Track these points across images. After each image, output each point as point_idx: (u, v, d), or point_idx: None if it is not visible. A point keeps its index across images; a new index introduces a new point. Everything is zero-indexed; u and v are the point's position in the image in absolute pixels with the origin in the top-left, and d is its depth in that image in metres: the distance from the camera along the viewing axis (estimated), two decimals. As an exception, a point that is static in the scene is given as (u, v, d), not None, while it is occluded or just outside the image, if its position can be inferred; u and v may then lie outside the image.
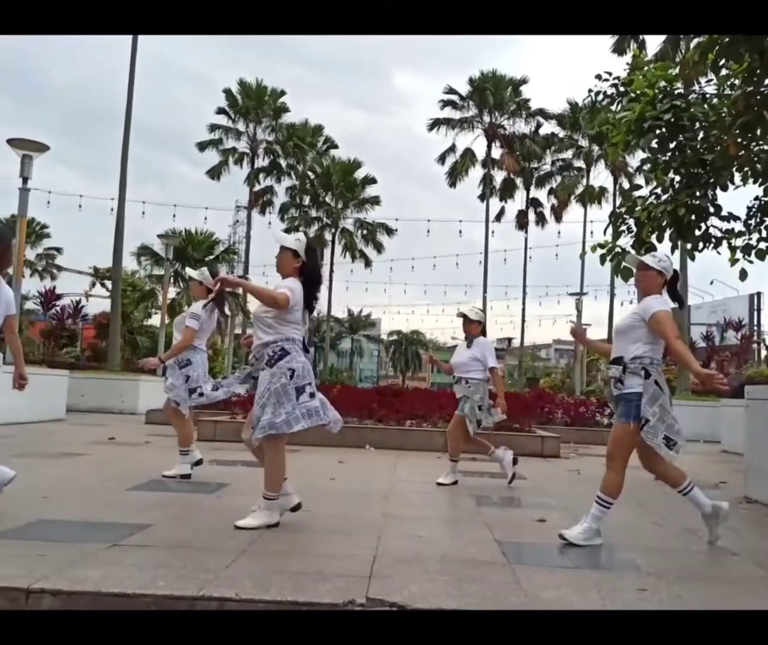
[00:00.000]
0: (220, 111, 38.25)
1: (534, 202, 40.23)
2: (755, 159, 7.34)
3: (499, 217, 40.09)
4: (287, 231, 39.53)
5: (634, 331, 4.26)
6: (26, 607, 2.81)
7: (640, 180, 15.09)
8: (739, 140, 7.03)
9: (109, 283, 27.47)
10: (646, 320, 4.19)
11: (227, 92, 38.04)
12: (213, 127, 38.13)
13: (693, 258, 8.07)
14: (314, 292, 4.47)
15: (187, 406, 6.23)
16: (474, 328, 6.84)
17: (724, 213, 7.61)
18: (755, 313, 33.31)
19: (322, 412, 4.34)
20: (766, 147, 7.31)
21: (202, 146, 38.04)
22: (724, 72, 7.23)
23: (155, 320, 29.17)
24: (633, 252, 7.87)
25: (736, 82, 7.14)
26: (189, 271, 6.85)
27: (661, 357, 4.29)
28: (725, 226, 7.69)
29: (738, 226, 7.69)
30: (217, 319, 6.39)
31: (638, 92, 7.44)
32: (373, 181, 40.59)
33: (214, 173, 38.24)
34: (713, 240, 7.72)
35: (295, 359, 4.27)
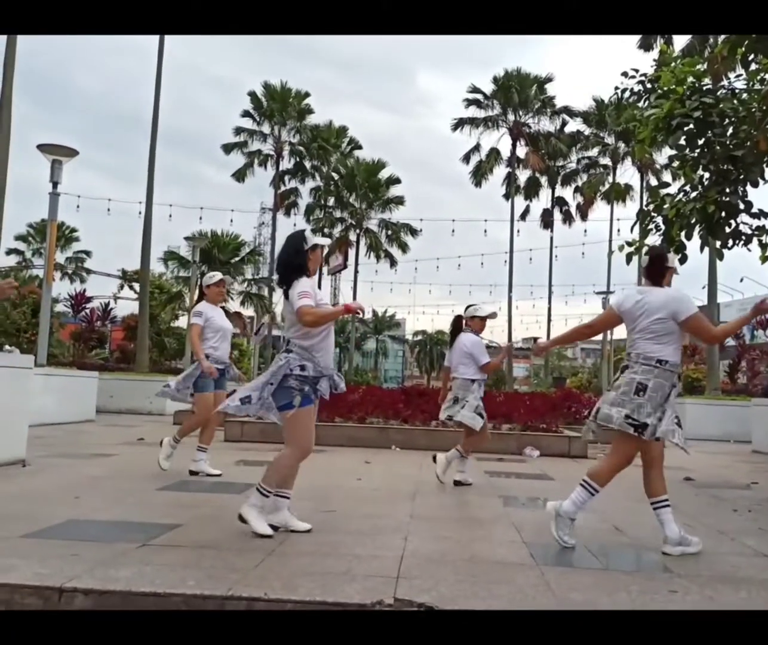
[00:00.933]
0: (245, 114, 38.49)
1: (559, 201, 39.95)
2: (786, 154, 7.21)
3: (524, 216, 39.86)
4: (312, 232, 39.82)
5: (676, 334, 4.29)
6: (59, 607, 2.86)
7: (667, 177, 14.91)
8: (769, 135, 6.92)
9: (137, 286, 27.78)
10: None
11: (252, 95, 38.27)
12: (238, 130, 38.38)
13: (721, 257, 7.96)
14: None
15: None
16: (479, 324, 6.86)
17: (754, 210, 7.49)
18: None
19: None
20: (797, 142, 7.18)
21: (227, 149, 38.31)
22: (753, 66, 7.13)
23: (182, 322, 29.45)
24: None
25: (766, 76, 7.03)
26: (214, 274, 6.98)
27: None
28: (756, 223, 7.57)
29: (768, 223, 7.56)
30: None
31: (666, 89, 7.35)
32: (397, 181, 40.58)
33: (240, 175, 38.49)
34: (743, 237, 7.60)
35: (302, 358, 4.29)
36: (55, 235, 14.07)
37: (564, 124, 38.94)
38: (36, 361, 10.39)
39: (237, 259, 32.91)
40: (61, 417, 12.23)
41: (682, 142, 7.36)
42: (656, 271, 4.32)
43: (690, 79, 7.28)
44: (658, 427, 4.03)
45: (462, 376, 6.60)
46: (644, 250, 7.63)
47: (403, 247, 40.28)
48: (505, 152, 39.27)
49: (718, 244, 7.83)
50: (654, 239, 7.76)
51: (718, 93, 7.45)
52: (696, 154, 7.48)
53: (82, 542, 3.72)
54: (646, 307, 4.16)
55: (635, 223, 8.09)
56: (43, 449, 8.08)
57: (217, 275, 6.91)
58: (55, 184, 12.92)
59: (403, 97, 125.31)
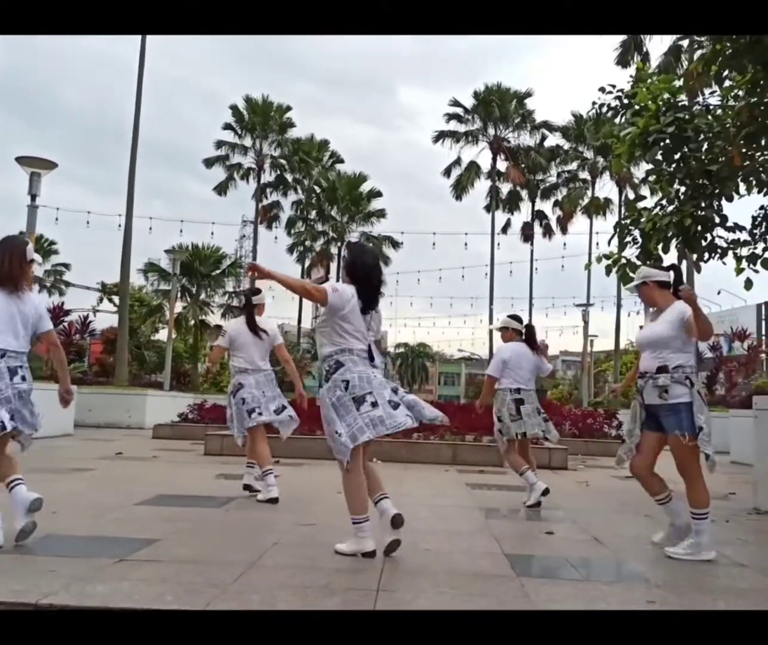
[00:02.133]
0: (227, 127, 38.46)
1: (539, 214, 40.27)
2: (760, 169, 7.34)
3: (505, 229, 40.12)
4: (294, 245, 39.69)
5: (675, 341, 4.28)
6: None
7: (645, 191, 15.09)
8: (743, 150, 7.04)
9: (116, 299, 27.57)
10: (684, 323, 4.24)
11: (234, 108, 38.26)
12: (220, 144, 38.33)
13: (699, 270, 8.08)
14: (365, 290, 4.10)
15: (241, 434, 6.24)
16: (504, 336, 6.73)
17: (729, 223, 7.61)
18: (763, 322, 33.18)
19: (389, 419, 3.99)
20: (770, 157, 7.31)
21: (209, 162, 38.23)
22: (727, 83, 7.25)
23: (162, 335, 29.26)
24: (638, 263, 7.87)
25: (740, 93, 7.15)
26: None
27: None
28: (731, 236, 7.69)
29: (743, 236, 7.68)
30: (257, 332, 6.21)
31: (642, 105, 7.46)
32: (378, 194, 40.75)
33: (221, 189, 38.41)
34: (719, 250, 7.71)
35: (349, 370, 4.01)
36: (34, 247, 13.95)
37: (543, 138, 39.39)
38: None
39: (218, 271, 32.80)
40: (38, 432, 12.07)
41: (659, 157, 7.47)
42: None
43: (665, 95, 7.39)
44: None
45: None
46: (622, 262, 7.75)
47: (385, 260, 40.36)
48: (486, 166, 39.62)
49: (694, 257, 7.95)
50: (631, 252, 7.85)
51: (693, 109, 7.57)
52: (672, 169, 7.58)
53: (59, 557, 3.68)
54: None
55: (613, 236, 8.18)
56: (21, 464, 7.96)
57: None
58: (33, 197, 12.81)
59: (384, 110, 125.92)
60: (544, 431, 6.48)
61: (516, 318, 6.83)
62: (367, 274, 4.15)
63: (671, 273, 4.47)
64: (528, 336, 6.59)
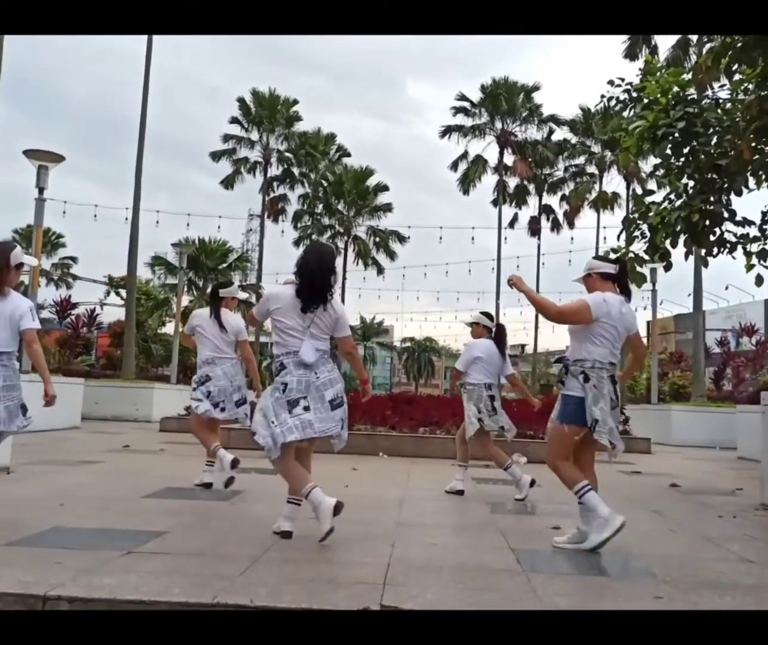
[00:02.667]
0: (234, 120, 38.42)
1: (546, 209, 40.11)
2: (769, 163, 7.30)
3: (512, 224, 39.97)
4: (300, 239, 39.67)
5: (578, 332, 4.33)
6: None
7: (653, 185, 15.01)
8: (753, 145, 7.00)
9: (123, 292, 27.62)
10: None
11: (241, 101, 38.20)
12: (227, 137, 38.30)
13: (706, 265, 8.04)
14: (303, 289, 4.23)
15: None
16: (475, 331, 6.81)
17: (738, 218, 7.57)
18: (771, 318, 33.02)
19: (318, 424, 4.18)
20: (780, 151, 7.26)
21: (215, 156, 38.22)
22: (737, 77, 7.21)
23: (169, 328, 29.32)
24: (647, 257, 7.84)
25: (750, 86, 7.11)
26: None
27: (610, 360, 4.27)
28: (740, 231, 7.65)
29: (753, 231, 7.64)
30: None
31: (651, 98, 7.42)
32: (385, 188, 40.64)
33: (228, 183, 38.40)
34: (728, 245, 7.68)
35: (290, 373, 4.19)
36: (41, 241, 13.98)
37: (551, 132, 39.17)
38: (21, 368, 10.31)
39: (224, 265, 32.87)
40: (46, 424, 12.09)
41: (668, 151, 7.43)
42: (627, 280, 4.46)
43: (675, 88, 7.35)
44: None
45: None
46: (630, 256, 7.71)
47: (391, 255, 40.33)
48: (493, 160, 39.44)
49: (702, 252, 7.91)
50: (639, 246, 7.83)
51: (703, 103, 7.53)
52: (681, 163, 7.55)
53: (67, 550, 3.69)
54: (623, 317, 4.29)
55: (621, 231, 8.15)
56: (28, 456, 8.02)
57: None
58: (41, 190, 12.83)
59: (392, 104, 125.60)
60: (502, 427, 6.66)
61: (488, 315, 6.91)
62: (307, 274, 4.25)
63: (616, 266, 4.47)
64: (497, 335, 6.69)
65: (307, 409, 4.16)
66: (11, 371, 4.47)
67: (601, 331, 4.23)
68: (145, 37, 22.01)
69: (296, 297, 4.22)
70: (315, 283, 4.24)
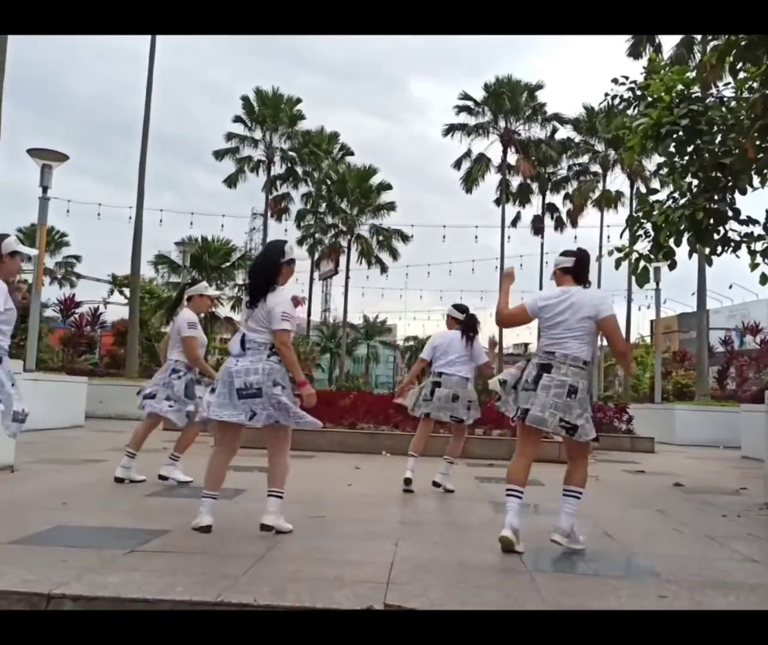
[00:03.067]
0: (237, 119, 38.44)
1: (550, 207, 40.04)
2: (774, 162, 7.27)
3: (515, 223, 39.91)
4: (303, 238, 39.68)
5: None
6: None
7: (657, 184, 14.98)
8: (757, 143, 6.97)
9: (127, 291, 27.68)
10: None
11: (245, 100, 38.20)
12: (230, 136, 38.33)
13: (710, 263, 8.02)
14: (246, 285, 4.57)
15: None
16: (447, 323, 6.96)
17: (743, 216, 7.54)
18: (775, 317, 32.94)
19: (216, 409, 4.26)
20: (785, 150, 7.24)
21: (219, 155, 38.23)
22: (742, 75, 7.19)
23: (173, 327, 29.29)
24: (651, 256, 7.82)
25: (755, 84, 7.09)
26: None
27: (545, 350, 4.29)
28: (744, 229, 7.63)
29: (757, 230, 7.61)
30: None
31: (655, 96, 7.40)
32: (388, 187, 40.59)
33: (231, 181, 38.43)
34: (732, 244, 7.65)
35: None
36: (45, 239, 14.00)
37: (554, 131, 39.09)
38: (25, 366, 10.31)
39: (228, 264, 32.86)
40: (50, 422, 12.14)
41: (672, 149, 7.41)
42: (584, 271, 4.43)
43: (679, 87, 7.33)
44: (585, 428, 4.13)
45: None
46: (633, 255, 7.69)
47: (394, 253, 40.29)
48: (496, 159, 39.38)
49: (707, 250, 7.89)
50: (643, 245, 7.81)
51: (707, 101, 7.51)
52: (685, 162, 7.53)
53: (71, 548, 3.69)
54: (573, 307, 4.22)
55: (624, 229, 8.14)
56: (32, 455, 8.03)
57: (209, 288, 6.93)
58: (44, 189, 12.85)
59: (394, 103, 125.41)
60: (452, 417, 6.64)
61: (458, 308, 6.96)
62: (249, 271, 4.65)
63: (573, 259, 4.46)
64: (465, 325, 6.70)
65: (212, 391, 4.34)
66: None
67: (543, 324, 4.38)
68: (148, 36, 22.03)
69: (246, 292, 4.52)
70: (251, 277, 4.53)
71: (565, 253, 4.54)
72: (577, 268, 4.42)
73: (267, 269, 4.38)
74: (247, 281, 4.53)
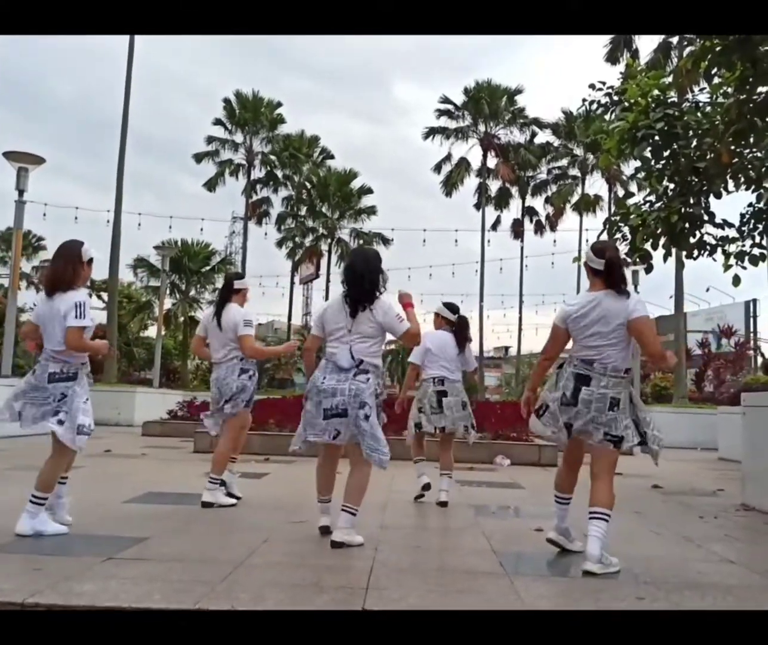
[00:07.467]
0: (217, 122, 38.23)
1: (529, 211, 40.28)
2: (748, 166, 7.38)
3: (495, 226, 40.09)
4: (283, 241, 39.57)
5: None
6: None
7: (634, 188, 15.15)
8: (732, 147, 7.08)
9: (105, 295, 27.41)
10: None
11: (226, 102, 38.02)
12: (210, 139, 38.09)
13: (682, 266, 8.11)
14: (347, 294, 4.39)
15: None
16: (435, 322, 6.43)
17: (717, 220, 7.64)
18: (751, 320, 33.37)
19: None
20: (759, 154, 7.35)
21: (198, 158, 37.98)
22: (716, 80, 7.29)
23: (151, 332, 29.14)
24: (628, 259, 7.89)
25: (729, 90, 7.18)
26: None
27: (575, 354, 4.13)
28: (719, 233, 7.73)
29: (732, 233, 7.72)
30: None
31: (632, 101, 7.47)
32: (369, 191, 40.59)
33: (211, 185, 38.17)
34: (708, 247, 7.75)
35: (314, 374, 4.47)
36: (21, 243, 13.84)
37: (534, 135, 39.34)
38: (0, 372, 10.18)
39: (207, 268, 32.71)
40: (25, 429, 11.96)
41: (647, 153, 7.49)
42: (615, 275, 4.01)
43: (655, 91, 7.41)
44: (627, 435, 3.93)
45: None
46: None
47: (375, 257, 40.24)
48: (476, 163, 39.56)
49: (683, 253, 7.97)
50: (621, 248, 7.87)
51: (683, 106, 7.60)
52: (661, 166, 7.61)
53: (46, 556, 3.64)
54: (605, 316, 3.94)
55: (601, 232, 8.21)
56: (7, 461, 7.92)
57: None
58: (21, 192, 12.71)
59: (378, 106, 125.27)
60: (467, 427, 6.22)
61: (450, 307, 6.37)
62: (345, 278, 4.42)
63: (603, 262, 4.04)
64: (458, 328, 6.22)
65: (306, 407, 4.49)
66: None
67: (575, 334, 4.08)
68: (127, 36, 21.88)
69: (344, 302, 4.41)
70: (348, 287, 4.42)
71: (595, 251, 4.10)
72: (608, 272, 4.02)
73: (362, 282, 4.32)
74: (346, 291, 4.35)
